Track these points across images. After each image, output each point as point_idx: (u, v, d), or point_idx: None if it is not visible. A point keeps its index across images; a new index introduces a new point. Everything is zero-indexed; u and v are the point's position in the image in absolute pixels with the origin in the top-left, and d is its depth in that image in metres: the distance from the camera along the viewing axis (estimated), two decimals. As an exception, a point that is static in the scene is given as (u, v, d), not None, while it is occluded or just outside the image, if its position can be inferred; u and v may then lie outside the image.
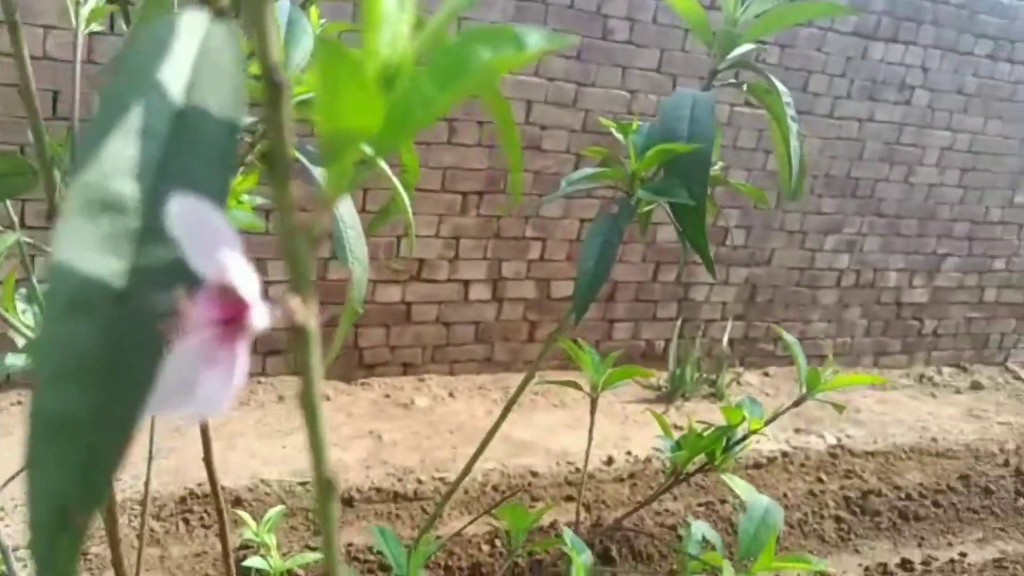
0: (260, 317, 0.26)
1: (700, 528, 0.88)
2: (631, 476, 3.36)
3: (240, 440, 3.07)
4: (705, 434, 0.98)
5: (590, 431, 1.27)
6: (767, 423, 0.95)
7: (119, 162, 0.26)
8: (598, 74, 3.69)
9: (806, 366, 0.97)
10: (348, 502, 2.85)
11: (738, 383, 4.35)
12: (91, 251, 0.25)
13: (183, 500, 2.69)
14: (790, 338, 1.08)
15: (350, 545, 2.59)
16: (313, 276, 0.28)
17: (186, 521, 2.63)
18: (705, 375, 4.18)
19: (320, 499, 0.32)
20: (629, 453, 3.52)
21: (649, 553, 2.89)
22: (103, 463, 0.26)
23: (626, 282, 4.04)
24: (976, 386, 4.99)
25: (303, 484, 2.90)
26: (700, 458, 0.97)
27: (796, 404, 1.12)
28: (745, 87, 1.17)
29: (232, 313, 0.26)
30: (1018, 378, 5.22)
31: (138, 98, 0.27)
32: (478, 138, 3.56)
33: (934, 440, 4.14)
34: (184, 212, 0.26)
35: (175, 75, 0.28)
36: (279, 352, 3.54)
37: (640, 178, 1.01)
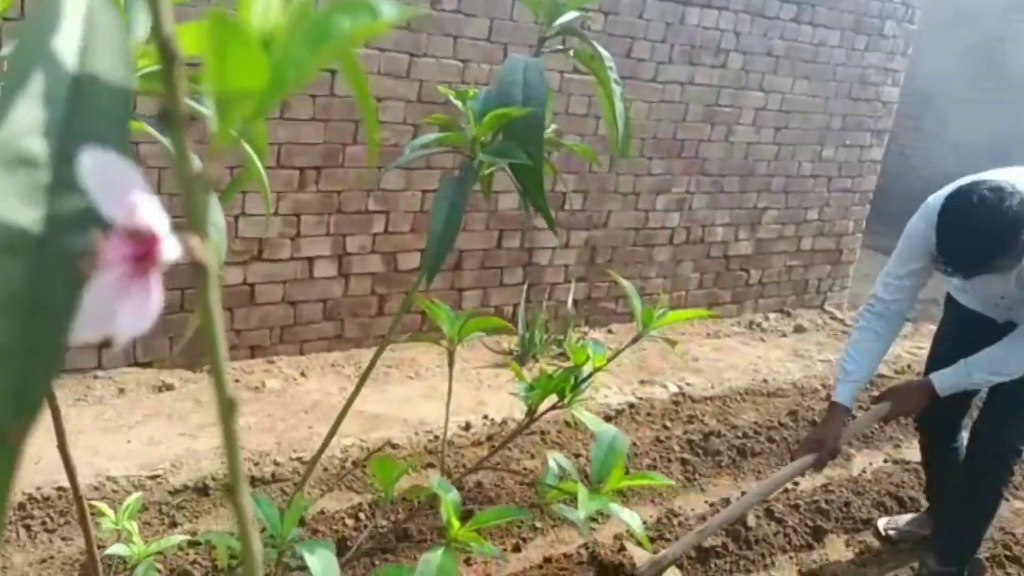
0: (171, 250, 0.30)
1: (557, 459, 0.96)
2: (489, 439, 3.47)
3: (81, 438, 2.95)
4: (555, 375, 1.07)
5: (449, 383, 1.34)
6: (609, 360, 1.05)
7: (27, 124, 0.30)
8: (429, 44, 3.73)
9: (641, 306, 1.07)
10: (203, 491, 2.81)
11: (584, 343, 4.55)
12: (11, 202, 0.29)
13: (22, 506, 2.57)
14: (625, 283, 1.18)
15: (208, 532, 2.56)
16: (209, 219, 0.33)
17: (27, 528, 2.51)
18: (553, 336, 4.35)
19: (223, 420, 0.37)
20: (486, 417, 3.63)
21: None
22: (34, 386, 0.30)
23: (472, 250, 4.13)
24: (799, 329, 5.44)
25: (153, 478, 2.83)
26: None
27: (634, 341, 1.22)
28: (572, 53, 1.26)
29: (144, 249, 0.30)
30: (835, 319, 5.72)
31: (37, 67, 0.31)
32: (312, 112, 3.53)
33: (765, 381, 4.49)
34: (94, 164, 0.30)
35: (67, 46, 0.32)
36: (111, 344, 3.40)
37: (480, 142, 1.07)
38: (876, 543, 3.15)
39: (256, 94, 0.31)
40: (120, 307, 0.30)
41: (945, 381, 2.54)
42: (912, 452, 3.89)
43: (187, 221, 0.32)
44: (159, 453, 2.97)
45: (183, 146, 0.31)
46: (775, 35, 4.80)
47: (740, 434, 3.80)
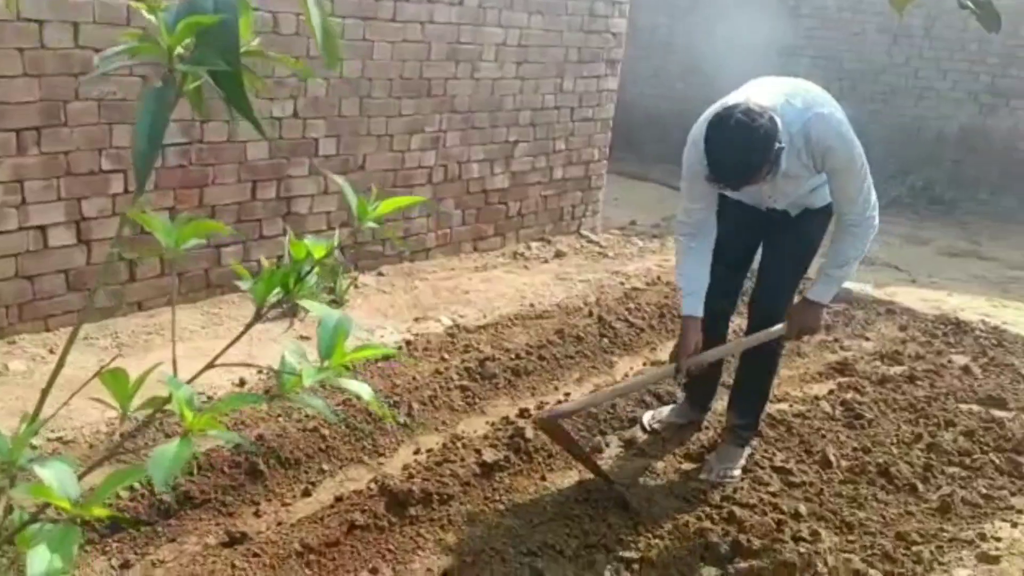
0: None
1: (292, 349, 0.97)
2: (267, 391, 3.39)
3: None
4: (278, 269, 1.08)
5: (172, 308, 1.29)
6: (329, 252, 1.06)
7: None
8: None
9: (355, 199, 1.08)
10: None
11: (356, 286, 4.53)
12: None
13: None
14: (337, 178, 1.18)
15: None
16: None
17: None
18: (323, 284, 4.28)
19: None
20: (260, 371, 3.53)
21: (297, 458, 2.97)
22: None
23: (225, 205, 3.96)
24: (559, 254, 5.72)
25: None
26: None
27: (353, 234, 1.24)
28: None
29: None
30: (591, 242, 6.06)
31: None
32: (22, 68, 3.21)
33: (532, 306, 4.70)
34: None
35: None
36: None
37: (177, 53, 1.04)
38: (643, 436, 3.43)
39: None
40: None
41: (818, 294, 2.95)
42: (665, 354, 4.25)
43: None
44: None
45: None
46: (507, -29, 4.93)
47: (513, 356, 3.97)
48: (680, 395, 3.60)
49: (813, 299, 2.96)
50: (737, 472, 3.11)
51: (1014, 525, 2.91)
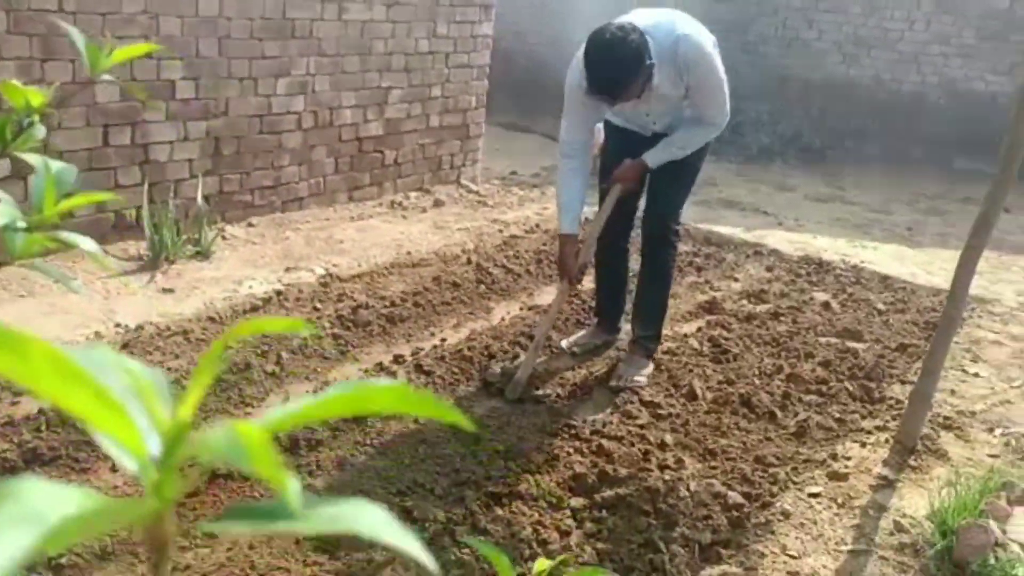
0: None
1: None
2: (125, 346, 3.24)
3: None
4: None
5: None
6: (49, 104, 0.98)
7: None
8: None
9: (82, 41, 0.97)
10: None
11: (224, 238, 4.38)
12: None
13: None
14: (61, 23, 1.08)
15: None
16: None
17: None
18: (188, 235, 4.12)
19: None
20: (118, 325, 3.39)
21: None
22: None
23: (73, 151, 3.73)
24: (438, 204, 5.67)
25: None
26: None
27: (84, 86, 1.17)
28: None
29: None
30: (471, 191, 6.03)
31: None
32: None
33: (409, 254, 4.65)
34: None
35: None
36: None
37: None
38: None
39: None
40: None
41: (653, 157, 3.21)
42: (541, 298, 4.29)
43: None
44: None
45: None
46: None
47: (388, 303, 3.92)
48: (592, 320, 3.86)
49: (644, 159, 3.23)
50: (643, 379, 3.38)
51: (863, 445, 3.09)
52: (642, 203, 3.53)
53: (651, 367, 3.48)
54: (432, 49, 5.47)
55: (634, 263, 3.70)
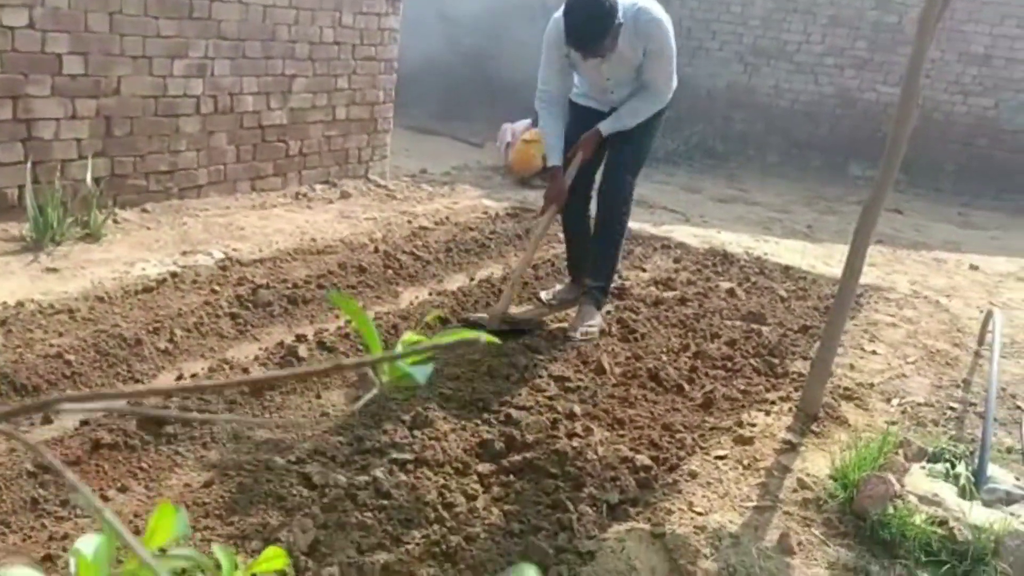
0: None
1: None
2: (3, 323, 3.04)
3: None
4: None
5: None
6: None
7: None
8: None
9: None
10: None
11: (116, 222, 4.18)
12: None
13: None
14: None
15: None
16: None
17: None
18: (76, 217, 3.91)
19: None
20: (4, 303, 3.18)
21: None
22: None
23: (-53, 123, 3.51)
24: (345, 195, 5.56)
25: None
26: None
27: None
28: None
29: None
30: (380, 186, 5.94)
31: None
32: None
33: (313, 240, 4.53)
34: None
35: None
36: None
37: None
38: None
39: None
40: None
41: (606, 126, 3.67)
42: (451, 284, 4.23)
43: None
44: None
45: None
46: None
47: (291, 286, 3.80)
48: (567, 277, 4.27)
49: (598, 127, 3.68)
50: (595, 328, 3.69)
51: (767, 414, 3.12)
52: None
53: (599, 318, 3.78)
54: (337, 39, 5.37)
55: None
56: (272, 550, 0.50)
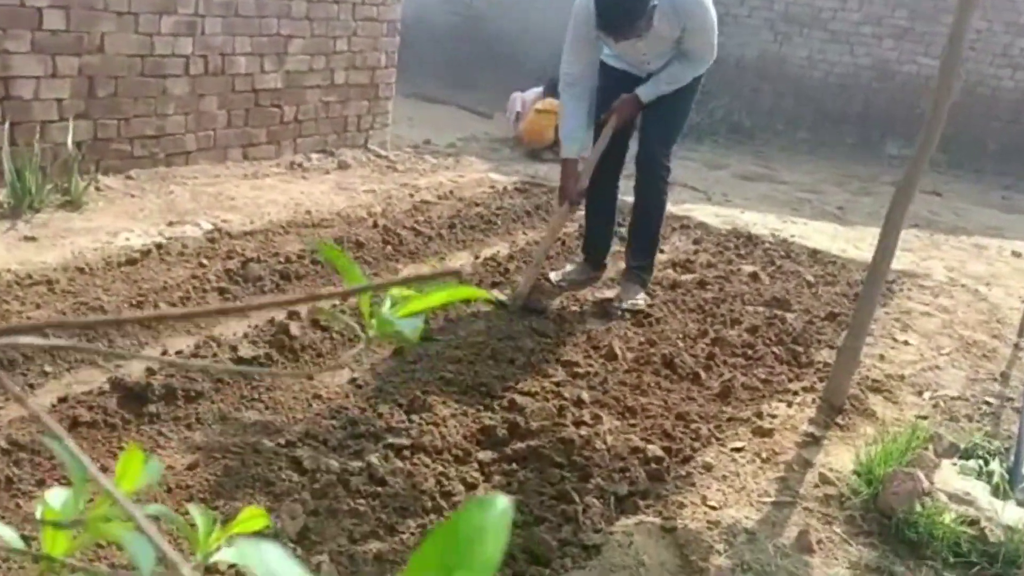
0: None
1: None
2: (-25, 295, 3.07)
3: None
4: None
5: None
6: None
7: None
8: None
9: None
10: None
11: (98, 189, 4.20)
12: None
13: None
14: None
15: None
16: None
17: None
18: (56, 183, 3.93)
19: None
20: (-32, 272, 3.20)
21: None
22: None
23: (-80, 79, 3.53)
24: (343, 166, 5.57)
25: None
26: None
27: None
28: None
29: None
30: (380, 156, 5.94)
31: None
32: None
33: (308, 213, 4.54)
34: None
35: None
36: None
37: None
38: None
39: None
40: None
41: (645, 91, 3.71)
42: (454, 262, 4.24)
43: None
44: None
45: None
46: None
47: (283, 260, 3.82)
48: (580, 256, 4.29)
49: (638, 94, 3.72)
50: (640, 303, 3.82)
51: (789, 405, 3.12)
52: (633, 144, 3.93)
53: (644, 295, 3.90)
54: (336, -3, 5.37)
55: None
56: (251, 510, 0.51)
